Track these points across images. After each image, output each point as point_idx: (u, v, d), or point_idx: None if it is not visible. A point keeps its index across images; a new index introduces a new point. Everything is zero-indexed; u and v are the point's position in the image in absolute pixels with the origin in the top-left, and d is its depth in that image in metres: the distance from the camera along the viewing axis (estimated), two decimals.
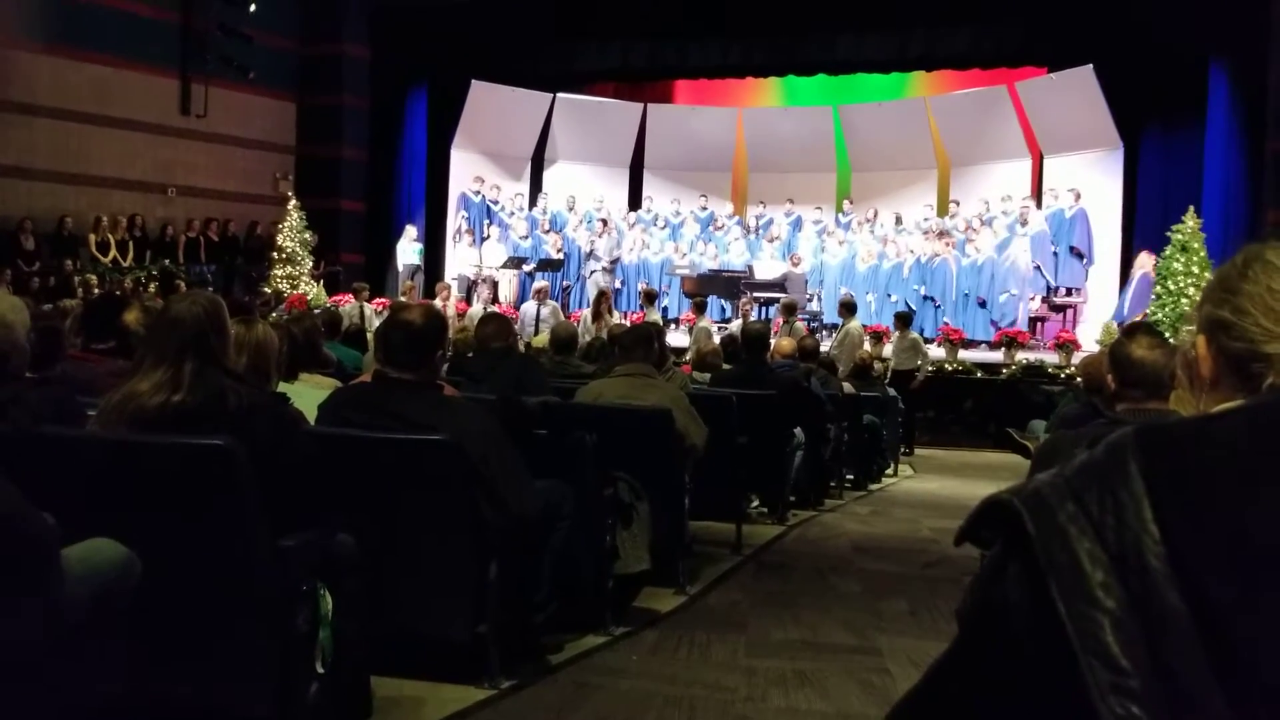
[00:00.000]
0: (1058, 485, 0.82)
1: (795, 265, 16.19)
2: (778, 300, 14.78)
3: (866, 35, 17.23)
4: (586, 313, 14.48)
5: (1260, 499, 0.77)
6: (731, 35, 17.74)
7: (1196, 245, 13.47)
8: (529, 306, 14.96)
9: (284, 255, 16.72)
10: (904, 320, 13.37)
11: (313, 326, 5.16)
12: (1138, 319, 13.22)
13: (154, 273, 15.52)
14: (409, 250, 17.54)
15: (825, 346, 12.39)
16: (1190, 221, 13.62)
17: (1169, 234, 13.81)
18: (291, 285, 16.51)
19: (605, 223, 18.07)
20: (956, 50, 17.12)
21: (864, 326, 15.49)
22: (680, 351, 12.08)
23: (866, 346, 13.52)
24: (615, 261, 17.68)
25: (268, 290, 16.42)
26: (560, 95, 19.17)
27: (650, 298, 15.43)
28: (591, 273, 17.50)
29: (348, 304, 15.06)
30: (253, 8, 17.29)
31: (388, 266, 18.08)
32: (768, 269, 16.35)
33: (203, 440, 2.80)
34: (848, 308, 13.58)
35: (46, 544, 2.41)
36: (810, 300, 16.06)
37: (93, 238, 15.57)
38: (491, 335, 5.25)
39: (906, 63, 17.98)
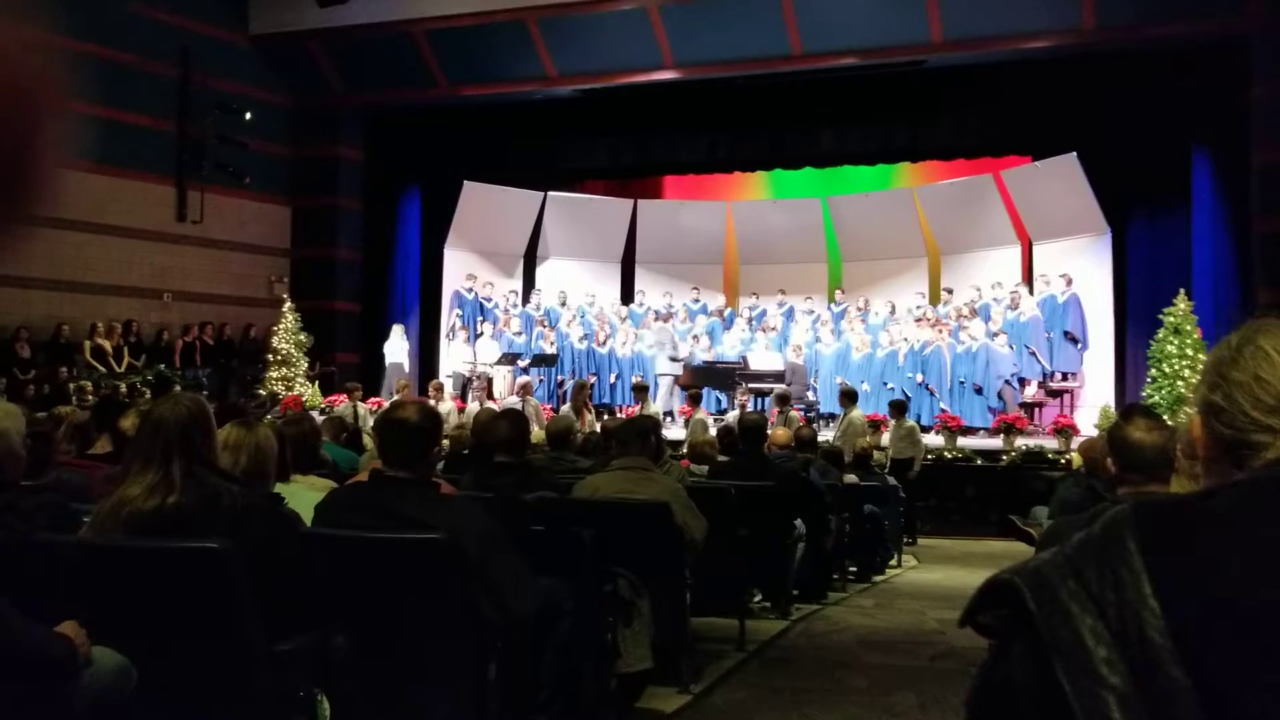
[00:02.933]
0: (1058, 563, 0.82)
1: (797, 356, 16.21)
2: (772, 391, 14.79)
3: (850, 128, 17.61)
4: (565, 407, 14.55)
5: (1256, 574, 0.76)
6: (718, 131, 18.09)
7: (1189, 327, 13.56)
8: (512, 402, 14.97)
9: (279, 357, 16.77)
10: (899, 409, 13.35)
11: (310, 429, 5.14)
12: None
13: (149, 378, 15.52)
14: (397, 350, 17.61)
15: (823, 436, 12.36)
16: (1181, 304, 13.73)
17: (1161, 316, 13.91)
18: (286, 387, 16.53)
19: (658, 314, 18.31)
20: (940, 141, 17.49)
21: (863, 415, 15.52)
22: (677, 444, 12.05)
23: (867, 436, 13.52)
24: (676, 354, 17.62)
25: (263, 392, 16.42)
26: (551, 193, 19.42)
27: (642, 390, 15.43)
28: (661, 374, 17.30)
29: (342, 404, 15.08)
30: (248, 116, 17.59)
31: (383, 366, 18.14)
32: (762, 360, 16.40)
33: (197, 544, 2.77)
34: (849, 396, 13.62)
35: (54, 660, 2.38)
36: (808, 390, 16.09)
37: (88, 344, 15.60)
38: (504, 442, 4.84)
39: (891, 154, 18.34)
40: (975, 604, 0.88)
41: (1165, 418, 10.19)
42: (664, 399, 16.66)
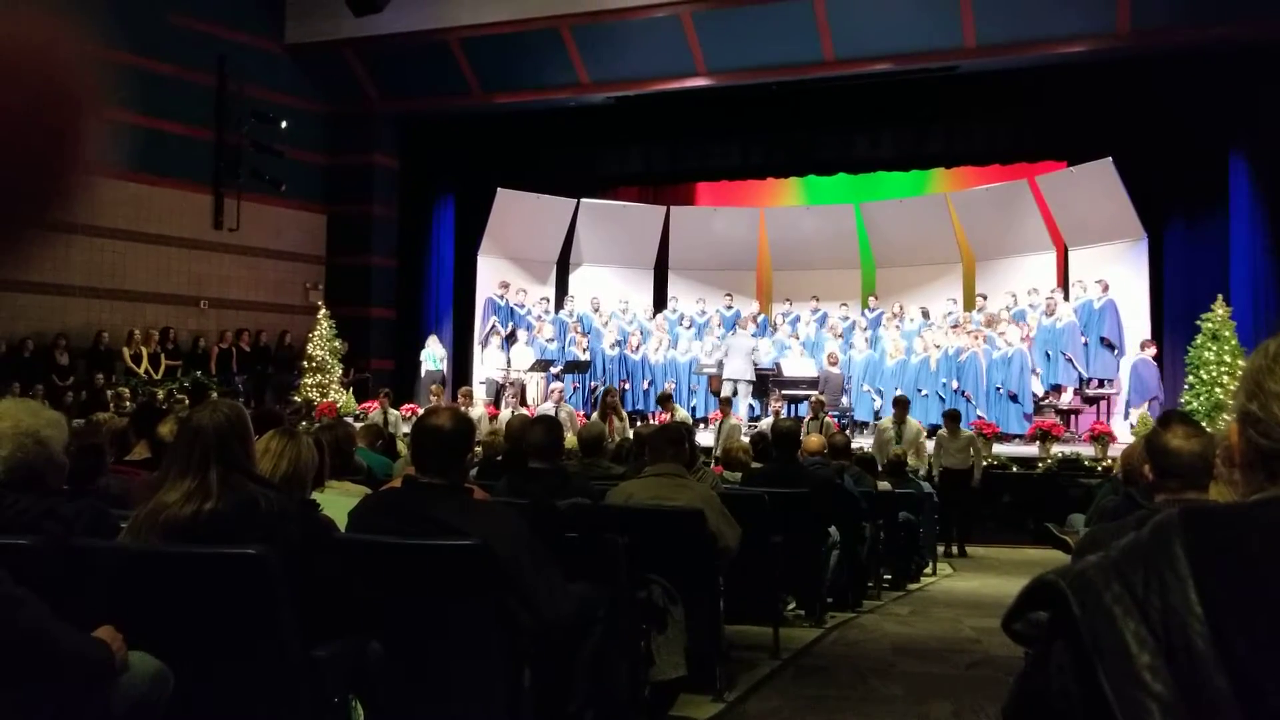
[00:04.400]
0: (1104, 566, 0.81)
1: (833, 364, 16.10)
2: (806, 398, 14.74)
3: (884, 133, 17.55)
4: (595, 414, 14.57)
5: None
6: (751, 136, 18.08)
7: (1227, 333, 13.41)
8: (546, 408, 15.01)
9: (314, 364, 16.89)
10: (955, 418, 12.83)
11: (345, 435, 5.17)
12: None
13: (186, 385, 15.68)
14: (431, 358, 17.69)
15: (858, 443, 12.31)
16: (1220, 309, 13.57)
17: (1198, 322, 13.76)
18: (321, 393, 16.65)
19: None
20: (974, 147, 17.41)
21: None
22: (709, 451, 12.03)
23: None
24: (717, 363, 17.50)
25: (298, 399, 16.54)
26: (584, 200, 19.46)
27: (667, 400, 15.37)
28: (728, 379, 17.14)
29: (375, 410, 15.17)
30: (284, 124, 17.74)
31: (418, 371, 18.25)
32: (796, 366, 16.34)
33: (234, 549, 2.79)
34: (903, 405, 13.24)
35: (91, 663, 2.40)
36: (842, 397, 16.02)
37: (126, 351, 15.77)
38: (538, 448, 4.90)
39: (925, 159, 18.27)
40: (1019, 605, 0.87)
41: (1204, 424, 10.08)
42: (744, 401, 16.44)
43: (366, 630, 3.13)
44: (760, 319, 18.75)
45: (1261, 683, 0.73)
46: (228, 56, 17.58)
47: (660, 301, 19.92)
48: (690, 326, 18.80)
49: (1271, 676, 0.73)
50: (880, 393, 16.54)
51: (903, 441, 12.44)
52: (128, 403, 13.95)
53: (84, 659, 2.41)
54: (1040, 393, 15.78)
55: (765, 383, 16.00)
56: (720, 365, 16.99)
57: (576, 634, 3.81)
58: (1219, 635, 0.74)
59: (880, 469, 11.08)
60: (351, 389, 17.19)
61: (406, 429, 13.20)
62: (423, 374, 17.55)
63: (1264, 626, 0.75)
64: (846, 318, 18.26)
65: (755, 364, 16.61)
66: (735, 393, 16.18)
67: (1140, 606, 0.77)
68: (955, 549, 12.19)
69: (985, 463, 13.40)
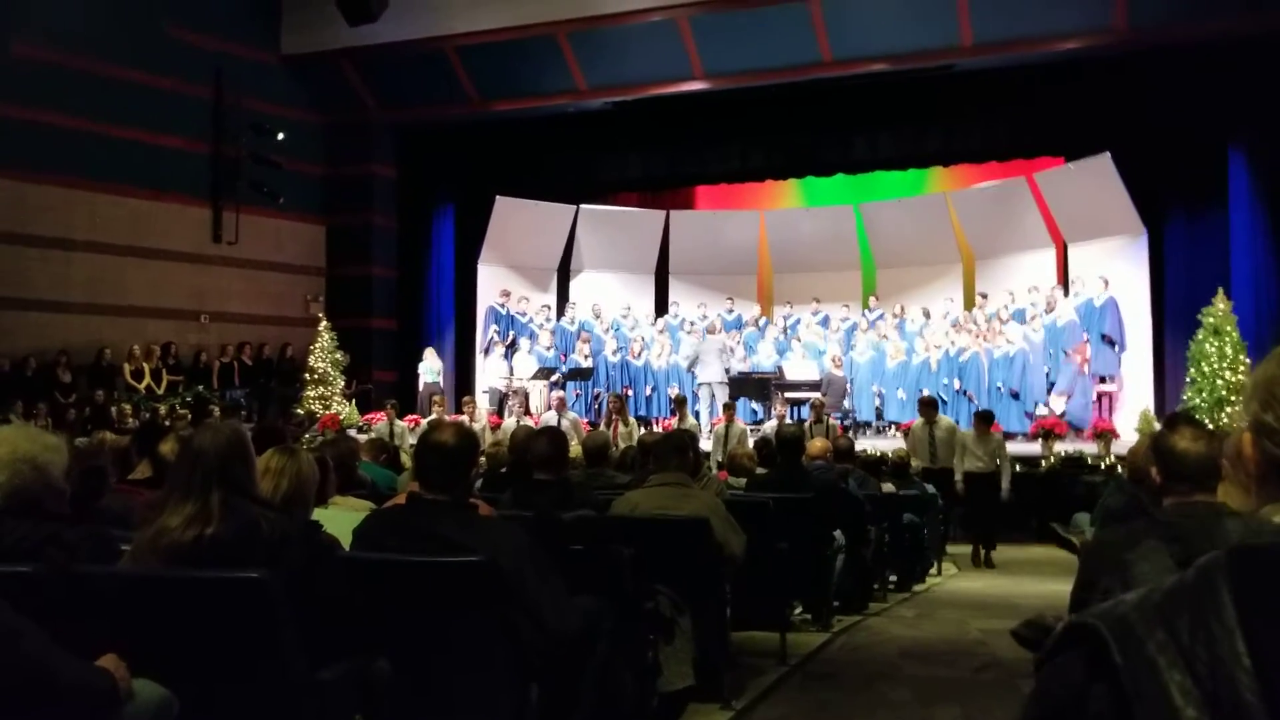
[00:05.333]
0: (1146, 611, 0.78)
1: (837, 367, 16.07)
2: (809, 400, 14.73)
3: (882, 134, 17.54)
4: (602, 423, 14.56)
5: None
6: (749, 139, 18.07)
7: (1229, 328, 13.38)
8: (549, 417, 15.00)
9: (316, 376, 16.88)
10: (987, 420, 11.97)
11: (348, 450, 5.16)
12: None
13: (188, 399, 15.67)
14: (430, 370, 17.71)
15: (865, 445, 12.26)
16: (1220, 304, 13.54)
17: (1199, 317, 13.73)
18: (324, 406, 16.64)
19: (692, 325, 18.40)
20: (972, 145, 17.40)
21: (896, 424, 15.40)
22: (708, 455, 12.00)
23: (901, 443, 13.36)
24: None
25: (301, 412, 16.53)
26: (584, 206, 19.46)
27: (681, 403, 15.39)
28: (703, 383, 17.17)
29: (379, 422, 15.16)
30: (281, 136, 17.74)
31: (418, 383, 18.28)
32: (798, 369, 16.33)
33: (237, 574, 2.78)
34: (932, 405, 12.54)
35: (95, 693, 2.39)
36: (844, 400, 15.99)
37: (127, 367, 15.77)
38: (543, 459, 4.84)
39: (923, 159, 18.25)
40: (1056, 648, 0.84)
41: (1208, 422, 10.04)
42: (705, 409, 16.57)
43: (372, 650, 3.12)
44: (762, 322, 18.74)
45: None
46: (224, 68, 17.59)
47: (662, 306, 19.91)
48: (693, 331, 18.76)
49: None
50: (881, 395, 16.54)
51: (944, 444, 11.84)
52: (130, 419, 13.95)
53: (87, 689, 2.39)
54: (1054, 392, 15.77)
55: (767, 386, 15.97)
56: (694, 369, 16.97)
57: (583, 647, 3.79)
58: (1268, 689, 0.72)
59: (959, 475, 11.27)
60: (354, 400, 17.18)
61: (412, 440, 13.20)
62: (421, 386, 17.54)
63: None
64: (847, 318, 18.25)
65: (729, 368, 16.66)
66: (714, 396, 16.26)
67: (1185, 656, 0.75)
68: (983, 558, 11.45)
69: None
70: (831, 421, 13.57)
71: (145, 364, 15.95)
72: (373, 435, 12.29)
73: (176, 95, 16.99)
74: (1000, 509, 11.61)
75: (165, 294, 17.07)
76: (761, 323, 18.71)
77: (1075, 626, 0.81)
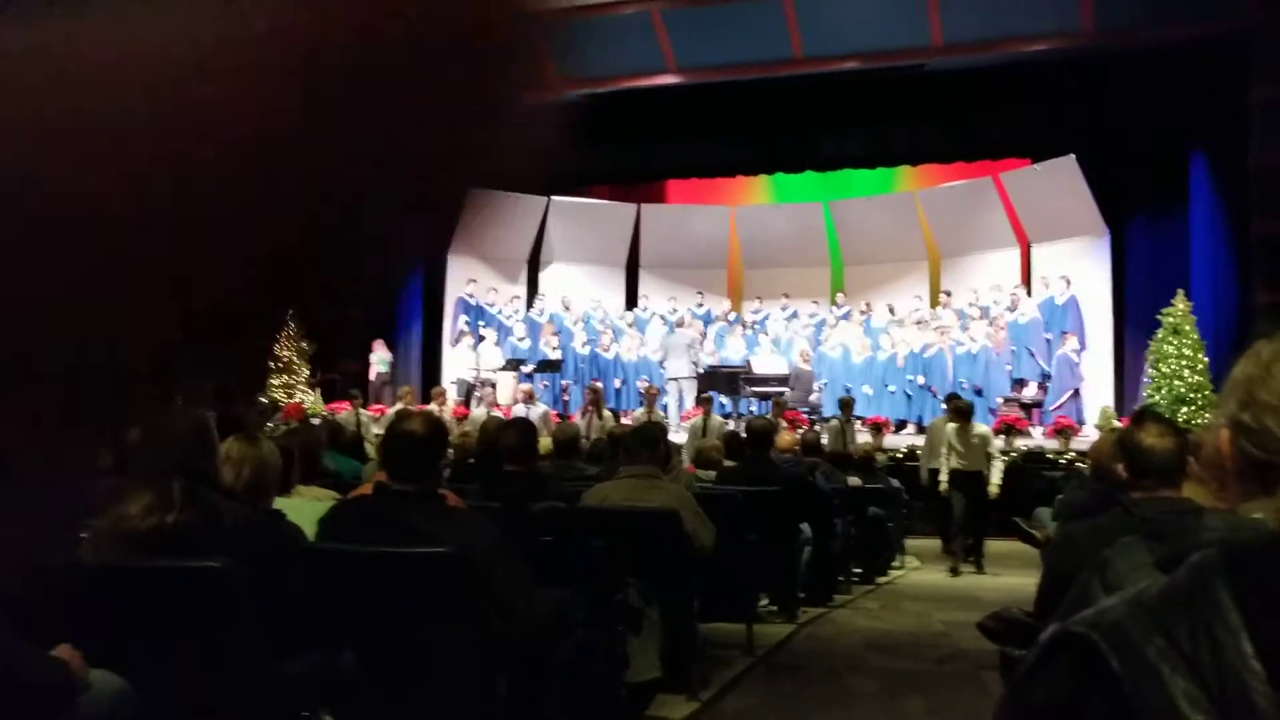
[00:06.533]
0: (1139, 617, 0.76)
1: (805, 362, 16.12)
2: (778, 395, 14.78)
3: (851, 132, 17.60)
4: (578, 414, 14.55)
5: None
6: (721, 134, 18.08)
7: (1188, 327, 13.53)
8: (518, 409, 14.96)
9: (280, 365, 16.73)
10: (965, 414, 10.71)
11: (312, 439, 5.12)
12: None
13: None
14: (381, 362, 17.66)
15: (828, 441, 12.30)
16: (1180, 304, 13.70)
17: (1159, 317, 13.89)
18: (288, 395, 16.50)
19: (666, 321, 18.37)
20: (940, 144, 17.51)
21: (861, 419, 15.45)
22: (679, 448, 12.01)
23: (868, 438, 13.44)
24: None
25: (264, 400, 16.38)
26: (555, 198, 19.40)
27: (651, 397, 15.40)
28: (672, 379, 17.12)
29: (344, 412, 15.08)
30: None
31: (389, 373, 18.23)
32: (766, 364, 16.38)
33: (198, 563, 2.74)
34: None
35: (49, 684, 2.35)
36: (813, 394, 16.05)
37: None
38: (513, 451, 4.85)
39: (892, 157, 18.38)
40: (1041, 658, 0.82)
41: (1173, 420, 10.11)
42: (674, 403, 16.62)
43: (338, 641, 3.10)
44: (732, 317, 18.77)
45: None
46: None
47: (632, 299, 19.91)
48: (663, 325, 18.77)
49: None
50: (848, 389, 16.61)
51: (981, 448, 10.59)
52: None
53: (42, 680, 2.35)
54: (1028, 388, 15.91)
55: (736, 380, 16.00)
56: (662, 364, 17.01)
57: (551, 638, 3.79)
58: None
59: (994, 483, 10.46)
60: (319, 390, 17.05)
61: (377, 430, 13.14)
62: (373, 376, 17.48)
63: None
64: (815, 314, 18.33)
65: (696, 362, 16.70)
66: (681, 390, 16.31)
67: (1189, 663, 0.73)
68: (974, 563, 10.54)
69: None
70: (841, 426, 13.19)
71: None
72: (331, 419, 12.27)
73: None
74: (987, 510, 10.64)
75: None
76: (731, 317, 18.75)
77: (1063, 635, 0.80)
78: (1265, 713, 0.70)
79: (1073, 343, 15.48)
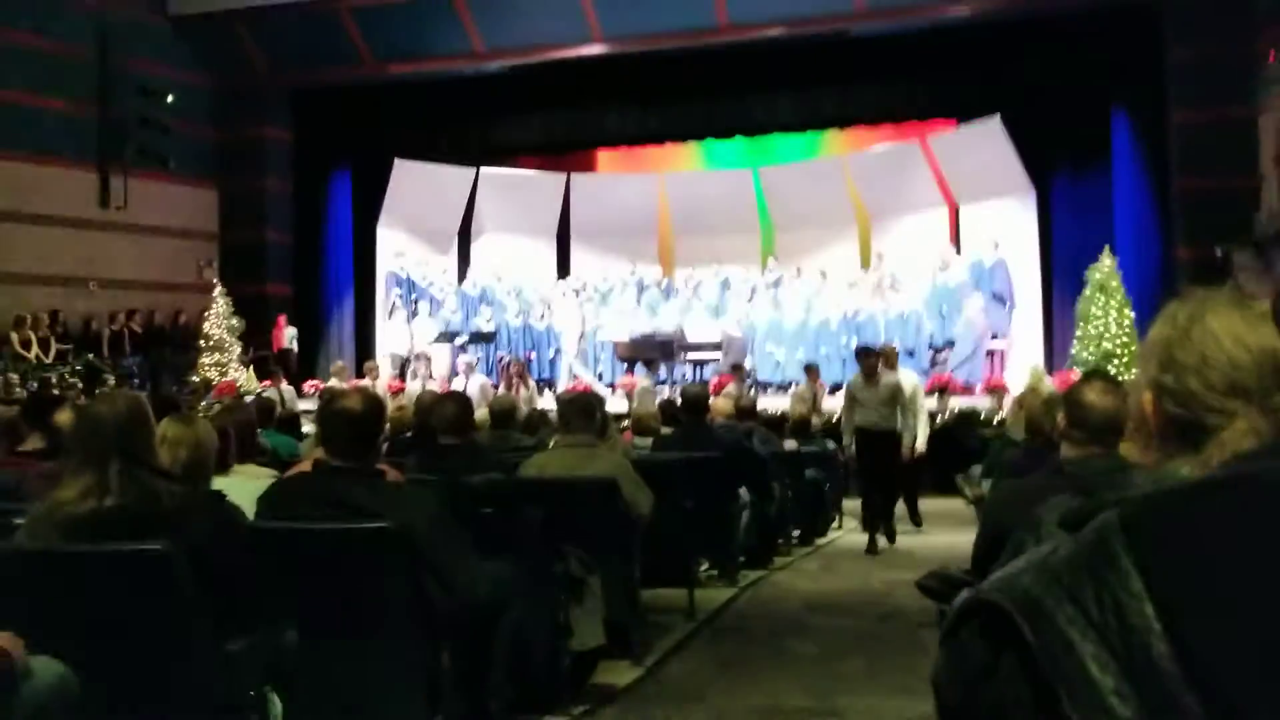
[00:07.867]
0: (1048, 585, 0.79)
1: (736, 328, 16.20)
2: (712, 361, 14.87)
3: (779, 97, 17.66)
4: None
5: (1263, 586, 0.74)
6: (649, 103, 18.05)
7: (1115, 284, 13.78)
8: (458, 381, 14.90)
9: (211, 343, 16.49)
10: (868, 366, 9.42)
11: (247, 418, 5.08)
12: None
13: (78, 368, 15.21)
14: (288, 337, 17.56)
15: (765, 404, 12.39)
16: (1106, 261, 13.93)
17: (1086, 275, 14.13)
18: (220, 373, 16.27)
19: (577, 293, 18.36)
20: (867, 107, 17.67)
21: (796, 383, 15.58)
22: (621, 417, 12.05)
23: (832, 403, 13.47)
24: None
25: (196, 379, 16.16)
26: (484, 169, 19.26)
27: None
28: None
29: (268, 389, 14.93)
30: (170, 98, 17.20)
31: (319, 348, 18.01)
32: (699, 331, 16.45)
33: (138, 546, 2.72)
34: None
35: None
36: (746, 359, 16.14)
37: (15, 336, 15.21)
38: (450, 423, 4.88)
39: (820, 121, 18.51)
40: (955, 625, 0.85)
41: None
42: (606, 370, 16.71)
43: (281, 620, 3.09)
44: (664, 284, 18.81)
45: (1231, 696, 0.72)
46: (109, 30, 16.94)
47: (564, 269, 19.87)
48: (595, 294, 18.76)
49: (1240, 689, 0.72)
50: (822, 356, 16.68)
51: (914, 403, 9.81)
52: (18, 389, 13.50)
53: None
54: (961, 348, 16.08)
55: (670, 347, 16.05)
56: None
57: (494, 611, 3.82)
58: (1182, 651, 0.73)
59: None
60: (252, 367, 16.83)
61: (305, 405, 13.02)
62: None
63: (1225, 635, 0.73)
64: (747, 280, 18.41)
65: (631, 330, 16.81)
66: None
67: (1097, 628, 0.75)
68: (912, 520, 10.25)
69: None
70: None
71: (33, 333, 15.40)
72: (262, 397, 12.15)
73: (59, 57, 16.35)
74: (903, 473, 9.85)
75: (52, 260, 16.47)
76: (663, 284, 18.78)
77: (976, 604, 0.82)
78: (1168, 674, 0.72)
79: (977, 301, 15.65)
